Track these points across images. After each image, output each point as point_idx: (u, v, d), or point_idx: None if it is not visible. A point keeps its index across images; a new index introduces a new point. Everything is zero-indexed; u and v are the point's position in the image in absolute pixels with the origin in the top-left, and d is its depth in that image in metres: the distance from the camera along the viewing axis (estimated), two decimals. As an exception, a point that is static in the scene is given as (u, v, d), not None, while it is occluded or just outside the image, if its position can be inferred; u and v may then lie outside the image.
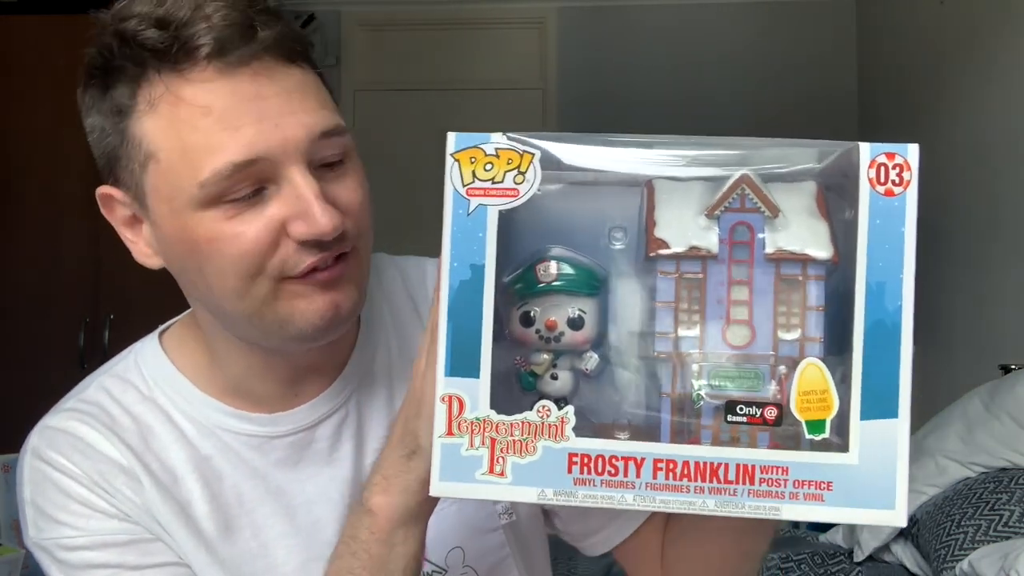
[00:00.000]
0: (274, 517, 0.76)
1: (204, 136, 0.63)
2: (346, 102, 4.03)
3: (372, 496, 0.63)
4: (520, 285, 0.56)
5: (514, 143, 0.55)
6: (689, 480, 0.50)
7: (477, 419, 0.52)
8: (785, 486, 0.49)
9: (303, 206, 0.65)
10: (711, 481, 0.50)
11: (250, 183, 0.64)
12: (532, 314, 0.55)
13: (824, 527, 2.38)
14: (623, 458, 0.50)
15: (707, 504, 0.50)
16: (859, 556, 2.10)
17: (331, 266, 0.68)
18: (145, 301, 3.11)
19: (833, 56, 3.87)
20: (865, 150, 0.51)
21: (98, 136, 0.69)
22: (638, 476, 0.50)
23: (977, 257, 2.71)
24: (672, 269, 0.53)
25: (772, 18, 3.91)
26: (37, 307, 3.26)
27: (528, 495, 0.52)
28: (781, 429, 0.51)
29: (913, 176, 0.50)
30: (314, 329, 0.69)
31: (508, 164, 0.55)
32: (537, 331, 0.55)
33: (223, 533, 0.74)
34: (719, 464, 0.50)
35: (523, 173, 0.54)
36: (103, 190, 0.71)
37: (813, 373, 0.50)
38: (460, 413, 0.52)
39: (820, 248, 0.52)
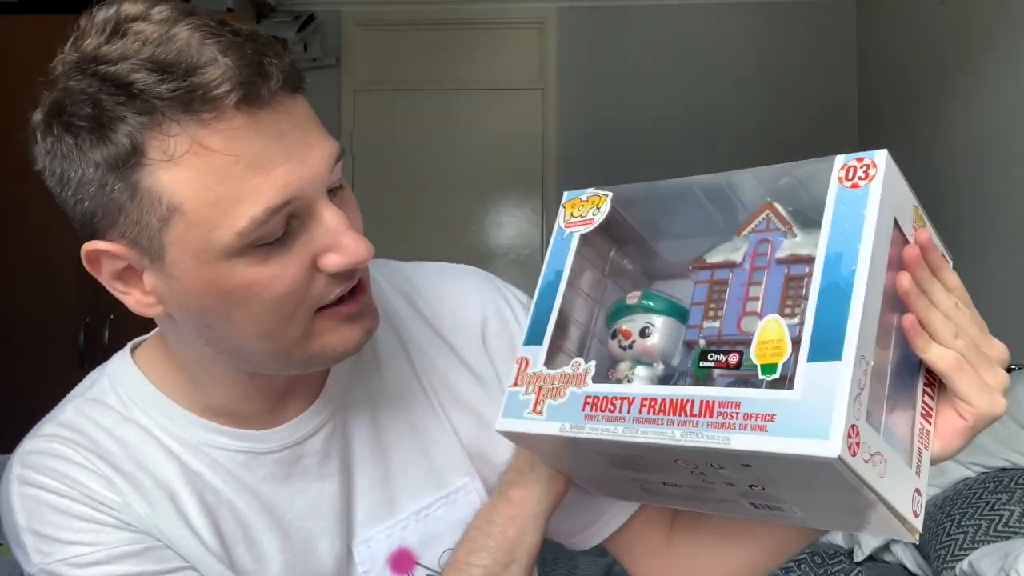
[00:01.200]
0: (268, 532, 0.75)
1: (236, 184, 0.60)
2: (346, 102, 4.03)
3: (509, 489, 0.76)
4: (615, 310, 0.70)
5: (598, 190, 0.71)
6: (664, 415, 0.57)
7: (534, 373, 0.66)
8: (736, 418, 0.54)
9: (334, 238, 0.64)
10: (680, 415, 0.57)
11: (283, 224, 0.63)
12: (616, 330, 0.68)
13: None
14: (620, 398, 0.60)
15: (674, 434, 0.56)
16: (859, 556, 2.10)
17: (353, 297, 0.68)
18: (145, 301, 3.11)
19: (833, 56, 3.87)
20: (839, 159, 0.59)
21: (94, 189, 0.62)
22: (628, 412, 0.59)
23: (976, 257, 2.71)
24: (707, 277, 0.65)
25: (772, 18, 3.91)
26: (37, 307, 3.26)
27: (553, 428, 0.62)
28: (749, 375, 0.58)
29: (879, 173, 0.57)
30: (344, 357, 0.70)
31: (591, 204, 0.71)
32: (618, 342, 0.67)
33: (221, 547, 0.73)
34: (687, 400, 0.57)
35: (599, 208, 0.70)
36: (94, 246, 0.65)
37: (772, 326, 0.58)
38: (525, 369, 0.67)
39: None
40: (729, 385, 0.59)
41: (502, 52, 4.07)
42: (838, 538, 2.23)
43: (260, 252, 0.62)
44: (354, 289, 0.68)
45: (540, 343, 0.67)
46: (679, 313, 0.67)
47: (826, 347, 0.53)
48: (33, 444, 0.73)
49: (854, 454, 0.51)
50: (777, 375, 0.55)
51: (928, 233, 0.60)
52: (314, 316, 0.67)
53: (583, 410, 0.61)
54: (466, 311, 0.85)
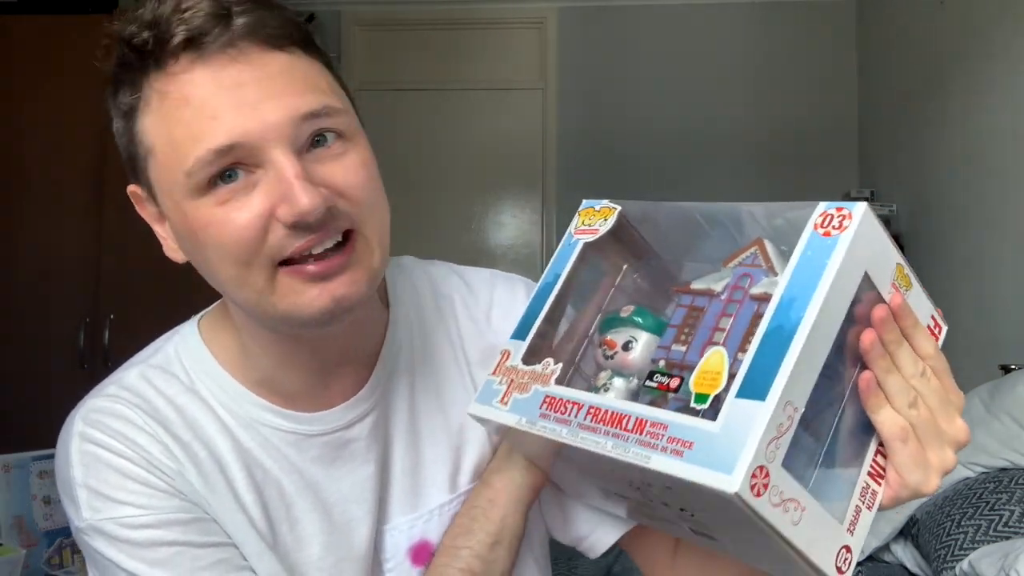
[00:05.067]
0: (312, 513, 0.77)
1: (187, 126, 0.65)
2: (346, 102, 4.03)
3: (490, 476, 0.80)
4: (607, 320, 0.71)
5: (611, 203, 0.73)
6: (603, 424, 0.59)
7: (511, 367, 0.69)
8: (661, 439, 0.55)
9: (284, 188, 0.65)
10: (615, 427, 0.58)
11: (239, 168, 0.66)
12: (603, 340, 0.69)
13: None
14: (572, 403, 0.62)
15: (607, 445, 0.58)
16: (859, 556, 2.10)
17: (329, 257, 0.67)
18: (145, 301, 3.13)
19: (833, 56, 3.87)
20: (821, 206, 0.59)
21: (119, 138, 0.72)
22: (576, 416, 0.61)
23: (976, 257, 2.71)
24: (687, 302, 0.66)
25: (772, 18, 3.91)
26: (37, 307, 3.26)
27: (511, 420, 0.66)
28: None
29: (853, 224, 0.56)
30: (316, 321, 0.69)
31: (601, 215, 0.73)
32: (603, 351, 0.69)
33: (266, 524, 0.75)
34: (625, 415, 0.58)
35: (607, 220, 0.72)
36: (131, 188, 0.74)
37: (716, 358, 0.59)
38: (505, 361, 0.70)
39: None
40: (677, 409, 0.58)
41: (502, 52, 4.07)
42: (838, 538, 2.23)
43: (221, 194, 0.66)
44: (340, 245, 0.68)
45: (524, 338, 0.69)
46: (662, 328, 0.67)
47: (755, 386, 0.53)
48: (96, 403, 0.74)
49: (759, 495, 0.51)
50: (707, 405, 0.56)
51: (902, 298, 0.59)
52: (277, 270, 0.67)
53: (540, 408, 0.64)
54: (514, 319, 0.86)
